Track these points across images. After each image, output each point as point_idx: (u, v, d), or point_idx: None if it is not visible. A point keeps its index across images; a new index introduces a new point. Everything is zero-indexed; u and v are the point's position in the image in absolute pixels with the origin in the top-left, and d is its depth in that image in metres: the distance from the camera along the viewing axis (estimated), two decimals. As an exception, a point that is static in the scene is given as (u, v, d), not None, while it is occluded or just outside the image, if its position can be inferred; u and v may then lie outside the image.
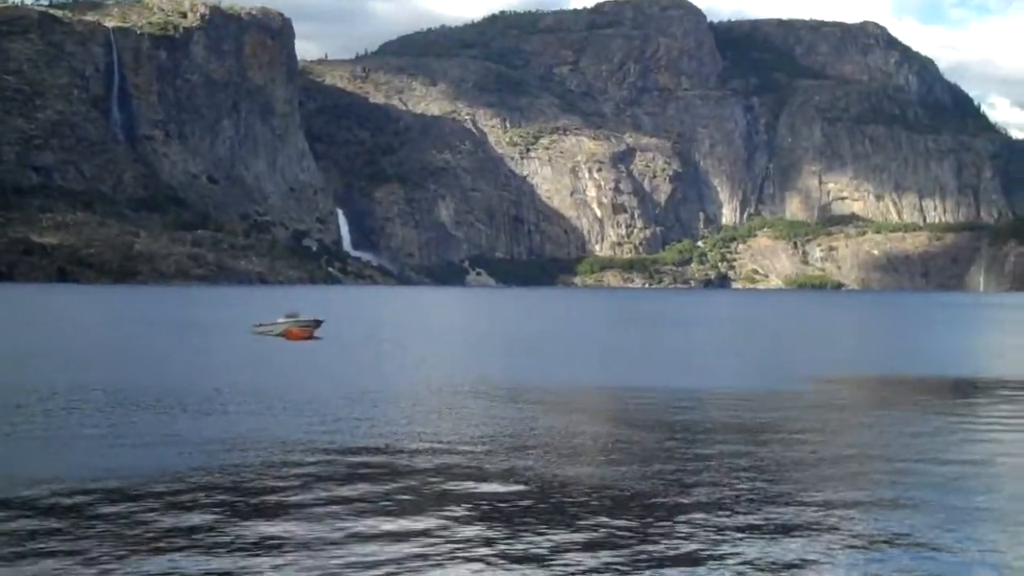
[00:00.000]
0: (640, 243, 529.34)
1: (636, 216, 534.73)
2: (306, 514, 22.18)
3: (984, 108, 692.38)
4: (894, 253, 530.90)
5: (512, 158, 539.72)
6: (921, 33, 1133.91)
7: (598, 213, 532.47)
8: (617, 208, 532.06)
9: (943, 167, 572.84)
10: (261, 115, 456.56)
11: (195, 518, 21.65)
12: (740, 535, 20.87)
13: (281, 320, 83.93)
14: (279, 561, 18.67)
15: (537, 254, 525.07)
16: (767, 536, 20.86)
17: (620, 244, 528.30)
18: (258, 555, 19.02)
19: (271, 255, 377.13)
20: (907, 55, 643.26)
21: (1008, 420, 39.52)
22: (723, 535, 20.87)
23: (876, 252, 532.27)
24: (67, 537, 19.95)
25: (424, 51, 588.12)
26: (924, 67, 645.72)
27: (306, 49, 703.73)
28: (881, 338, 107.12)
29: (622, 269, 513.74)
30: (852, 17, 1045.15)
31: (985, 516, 23.10)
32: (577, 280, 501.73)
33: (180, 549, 19.25)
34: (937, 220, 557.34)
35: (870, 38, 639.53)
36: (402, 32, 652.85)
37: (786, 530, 21.35)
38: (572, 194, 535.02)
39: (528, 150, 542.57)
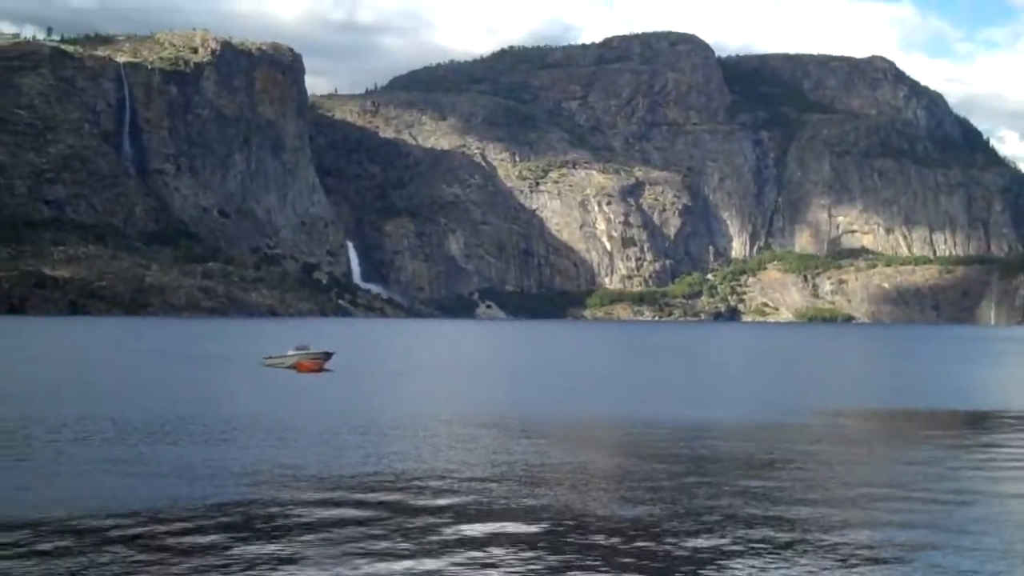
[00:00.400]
0: (650, 276, 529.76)
1: (646, 249, 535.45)
2: (315, 549, 22.13)
3: (993, 142, 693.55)
4: (904, 286, 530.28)
5: (521, 192, 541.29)
6: (928, 67, 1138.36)
7: (608, 246, 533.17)
8: (626, 241, 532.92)
9: (953, 201, 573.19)
10: (272, 149, 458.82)
11: (203, 550, 21.61)
12: (758, 570, 20.82)
13: (291, 352, 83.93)
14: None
15: (547, 287, 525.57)
16: (783, 570, 20.80)
17: (630, 277, 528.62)
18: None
19: (281, 288, 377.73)
20: (916, 89, 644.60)
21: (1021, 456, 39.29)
22: (741, 570, 20.81)
23: (886, 285, 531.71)
24: (77, 566, 19.93)
25: (433, 86, 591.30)
26: (933, 101, 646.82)
27: (316, 84, 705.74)
28: (891, 371, 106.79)
29: (632, 302, 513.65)
30: (859, 52, 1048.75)
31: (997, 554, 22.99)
32: (587, 313, 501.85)
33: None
34: (947, 254, 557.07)
35: (878, 72, 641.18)
36: (411, 67, 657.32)
37: (801, 566, 21.28)
38: (581, 227, 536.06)
39: (537, 184, 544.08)
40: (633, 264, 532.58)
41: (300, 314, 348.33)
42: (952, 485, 31.26)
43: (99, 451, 35.39)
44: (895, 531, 24.53)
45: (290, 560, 20.90)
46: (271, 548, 21.88)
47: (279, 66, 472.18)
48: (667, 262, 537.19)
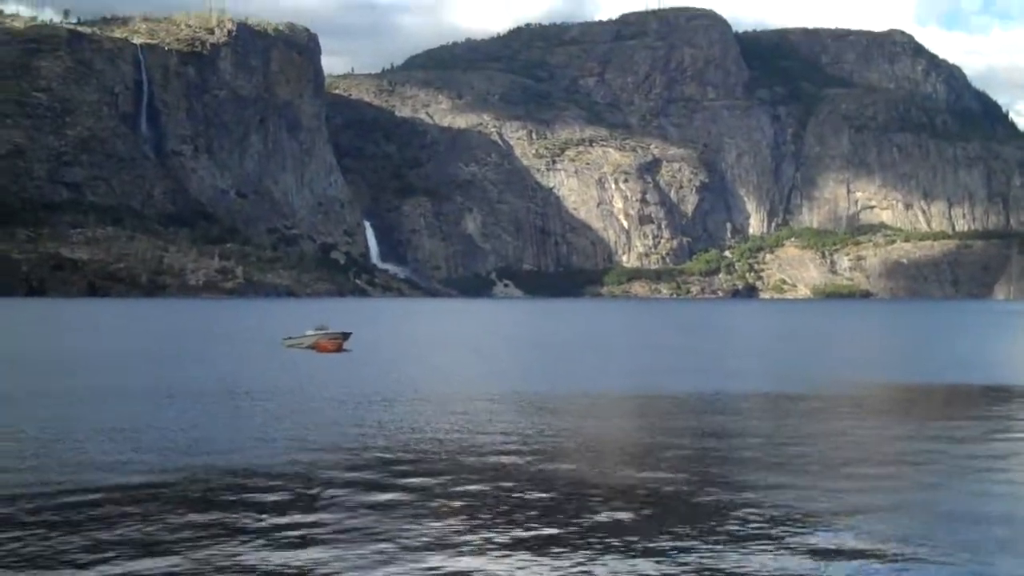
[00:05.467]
0: (667, 253, 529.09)
1: (663, 227, 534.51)
2: (333, 515, 22.61)
3: (1012, 115, 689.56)
4: (923, 262, 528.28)
5: (538, 170, 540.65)
6: (945, 40, 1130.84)
7: (625, 224, 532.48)
8: (644, 219, 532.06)
9: (972, 175, 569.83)
10: (288, 130, 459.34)
11: (222, 513, 22.10)
12: (777, 538, 21.20)
13: (310, 333, 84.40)
14: (304, 558, 19.09)
15: (564, 265, 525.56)
16: (799, 536, 21.20)
17: (647, 255, 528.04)
18: (282, 551, 19.44)
19: (299, 268, 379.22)
20: (934, 63, 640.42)
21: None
22: (758, 539, 21.19)
23: (904, 261, 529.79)
24: (104, 524, 20.44)
25: (450, 65, 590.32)
26: (952, 75, 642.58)
27: (332, 64, 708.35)
28: (909, 346, 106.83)
29: (649, 279, 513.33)
30: (875, 25, 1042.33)
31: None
32: (604, 291, 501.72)
33: (203, 545, 19.68)
34: (966, 228, 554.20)
35: (896, 46, 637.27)
36: (428, 46, 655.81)
37: (809, 535, 21.67)
38: (599, 205, 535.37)
39: (554, 162, 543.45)
40: (650, 241, 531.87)
41: (317, 295, 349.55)
42: (964, 456, 31.63)
43: (119, 420, 35.89)
44: (901, 497, 24.95)
45: (307, 525, 21.37)
46: (288, 514, 22.36)
47: (295, 46, 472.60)
48: (684, 239, 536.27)
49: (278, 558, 18.99)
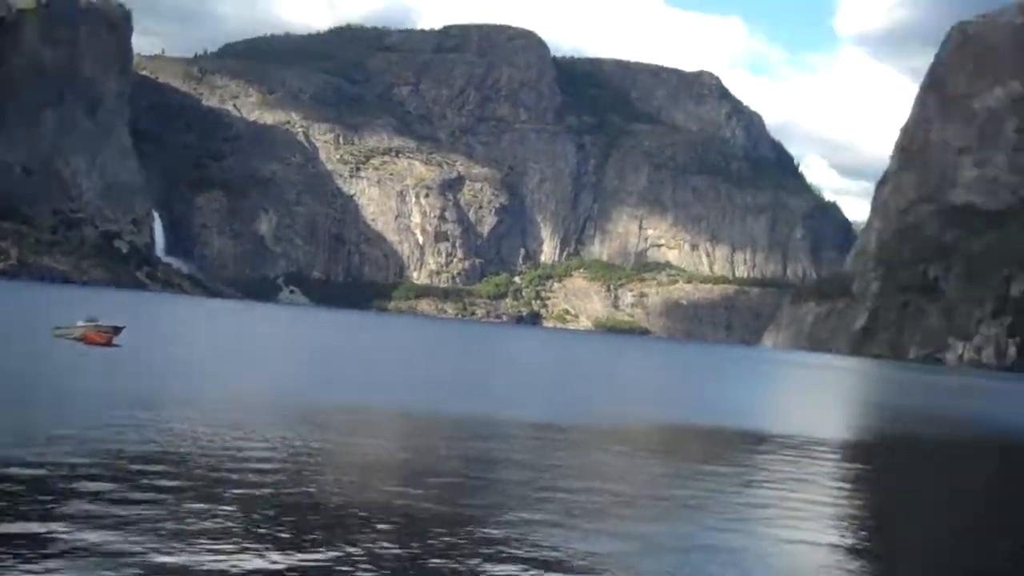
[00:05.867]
0: (458, 273, 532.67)
1: (457, 246, 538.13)
2: (73, 526, 21.66)
3: (802, 168, 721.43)
4: (701, 303, 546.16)
5: (341, 175, 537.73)
6: (751, 85, 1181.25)
7: (420, 240, 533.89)
8: (439, 236, 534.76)
9: (758, 222, 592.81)
10: (87, 107, 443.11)
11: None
12: (521, 567, 21.23)
13: (80, 324, 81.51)
14: (30, 564, 18.24)
15: (355, 276, 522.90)
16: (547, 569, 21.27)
17: (438, 272, 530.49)
18: (11, 564, 18.55)
19: (78, 254, 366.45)
20: (737, 108, 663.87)
21: (782, 474, 40.77)
22: (505, 565, 21.19)
23: (684, 301, 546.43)
24: None
25: (265, 57, 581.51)
26: (752, 121, 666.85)
27: (144, 44, 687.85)
28: (681, 387, 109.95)
29: (437, 298, 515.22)
30: (688, 65, 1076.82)
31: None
32: (391, 306, 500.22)
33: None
34: (746, 275, 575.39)
35: (704, 88, 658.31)
36: (245, 36, 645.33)
37: (565, 564, 21.80)
38: (397, 218, 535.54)
39: (358, 169, 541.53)
40: (443, 259, 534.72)
41: (93, 283, 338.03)
42: (723, 500, 32.42)
43: None
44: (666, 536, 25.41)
45: (41, 534, 20.44)
46: (21, 516, 21.35)
47: (107, 21, 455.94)
48: (477, 260, 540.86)
49: (7, 571, 18.06)
